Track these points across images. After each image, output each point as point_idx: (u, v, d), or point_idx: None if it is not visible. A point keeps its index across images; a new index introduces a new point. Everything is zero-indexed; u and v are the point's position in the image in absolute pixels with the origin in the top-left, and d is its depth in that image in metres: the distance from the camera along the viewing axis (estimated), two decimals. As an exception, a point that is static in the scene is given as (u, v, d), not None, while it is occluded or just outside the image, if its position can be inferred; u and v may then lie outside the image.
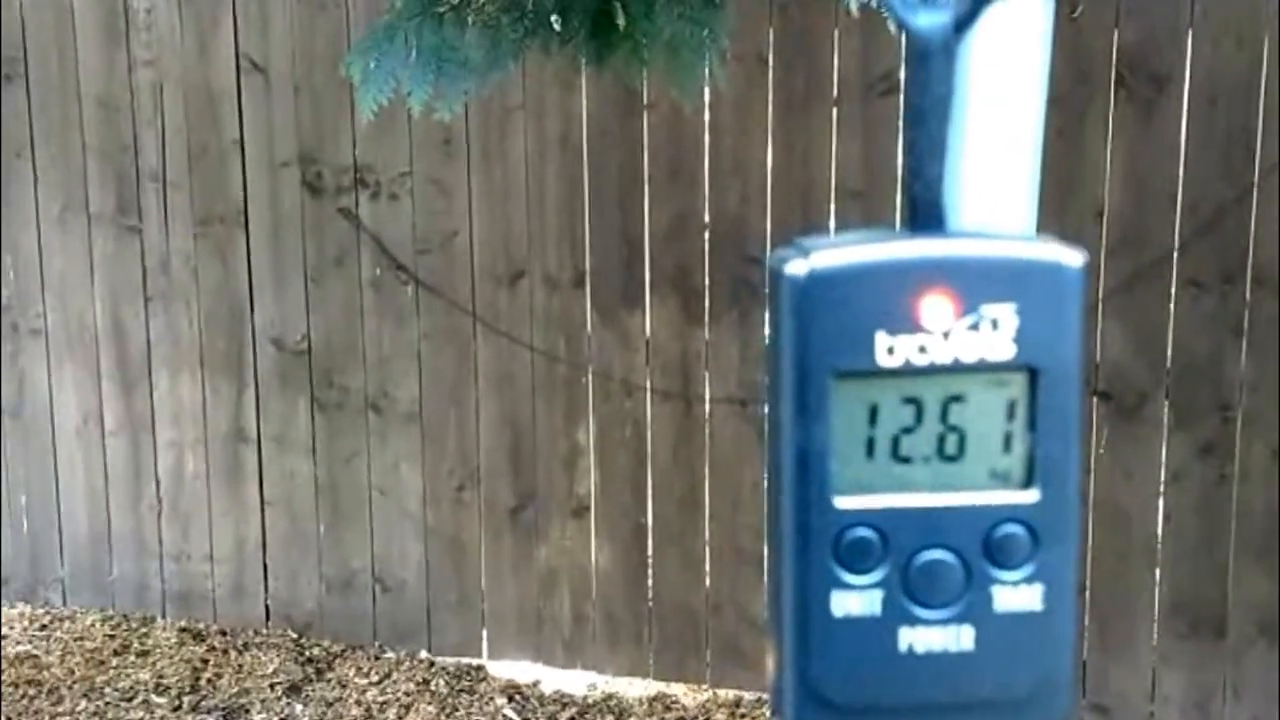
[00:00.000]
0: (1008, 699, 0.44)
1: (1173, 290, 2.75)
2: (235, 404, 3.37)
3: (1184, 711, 2.84)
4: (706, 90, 2.48)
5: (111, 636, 3.42)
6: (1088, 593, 2.87)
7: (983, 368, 0.43)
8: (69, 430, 3.50)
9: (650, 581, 3.16)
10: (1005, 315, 0.43)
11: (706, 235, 3.01)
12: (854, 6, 1.44)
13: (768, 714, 3.05)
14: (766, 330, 0.45)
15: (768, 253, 2.99)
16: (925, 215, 0.43)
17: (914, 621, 0.43)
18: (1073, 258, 0.44)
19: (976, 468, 0.44)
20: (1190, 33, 2.67)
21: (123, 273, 3.40)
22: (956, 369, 0.43)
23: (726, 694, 3.11)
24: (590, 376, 3.12)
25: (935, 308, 0.43)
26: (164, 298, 3.38)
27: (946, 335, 0.43)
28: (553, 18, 1.69)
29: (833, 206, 2.92)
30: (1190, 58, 2.67)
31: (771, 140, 2.93)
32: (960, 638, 0.44)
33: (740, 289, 2.98)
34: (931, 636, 0.43)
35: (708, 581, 3.12)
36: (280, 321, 3.31)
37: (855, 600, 0.43)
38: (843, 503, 0.43)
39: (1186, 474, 2.79)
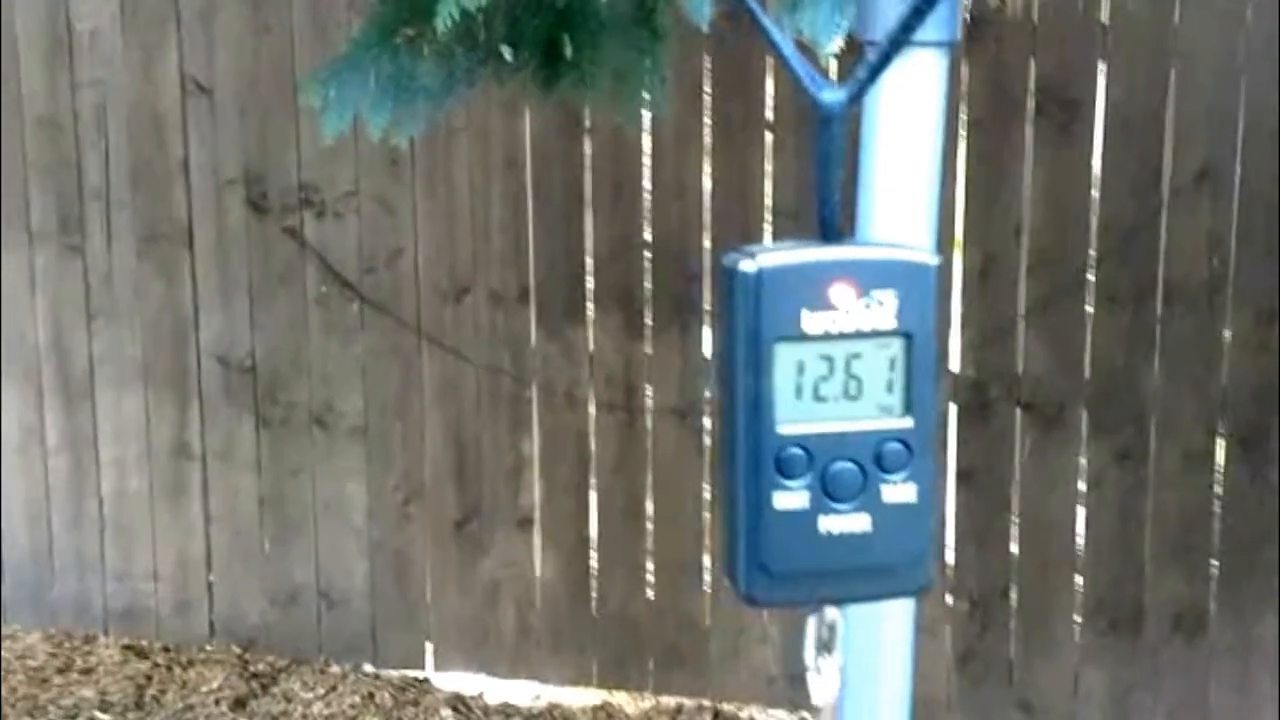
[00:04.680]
0: (893, 564, 0.63)
1: (1089, 306, 2.89)
2: (179, 420, 3.39)
3: (1104, 707, 2.97)
4: (648, 115, 2.57)
5: (54, 655, 3.41)
6: (1013, 595, 2.99)
7: (873, 334, 0.61)
8: (10, 447, 3.49)
9: (594, 592, 3.23)
10: (888, 298, 0.60)
11: (647, 253, 3.10)
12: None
13: None
14: (718, 311, 0.62)
15: (706, 269, 3.08)
16: (830, 230, 0.62)
17: (829, 511, 0.61)
18: (931, 258, 0.62)
19: (870, 404, 0.62)
20: (1102, 63, 2.82)
21: (65, 290, 3.41)
22: (856, 335, 0.61)
23: (668, 701, 3.19)
24: (535, 390, 3.19)
25: (841, 293, 0.60)
26: (107, 315, 3.39)
27: (849, 312, 0.60)
28: (504, 48, 1.76)
29: (768, 226, 3.02)
30: (1102, 86, 2.82)
31: (710, 163, 3.03)
32: (860, 522, 0.61)
33: (680, 304, 3.08)
34: (841, 522, 0.61)
35: (650, 591, 3.20)
36: (225, 338, 3.34)
37: (790, 498, 0.61)
38: (781, 430, 0.61)
39: (1104, 479, 2.93)
